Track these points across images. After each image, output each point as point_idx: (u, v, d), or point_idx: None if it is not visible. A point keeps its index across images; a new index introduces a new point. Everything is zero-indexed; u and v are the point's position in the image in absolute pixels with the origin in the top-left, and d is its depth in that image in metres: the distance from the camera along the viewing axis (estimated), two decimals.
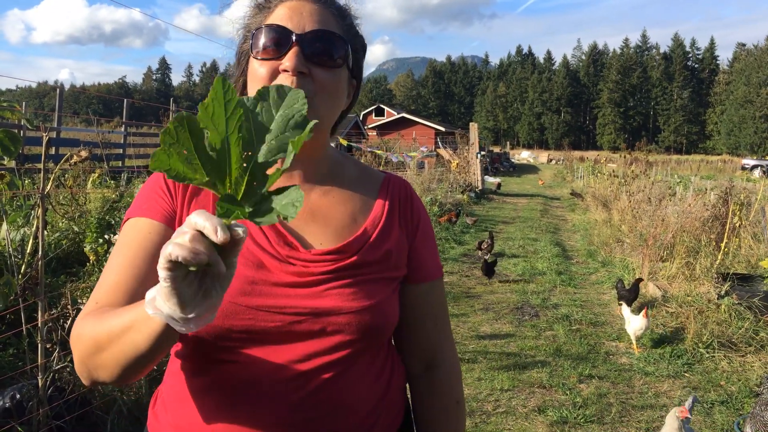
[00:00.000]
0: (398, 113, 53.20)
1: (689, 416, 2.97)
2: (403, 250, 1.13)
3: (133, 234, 1.01)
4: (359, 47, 1.12)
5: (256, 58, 1.04)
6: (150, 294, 0.74)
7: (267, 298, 0.99)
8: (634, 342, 5.18)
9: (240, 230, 0.68)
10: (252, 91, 1.05)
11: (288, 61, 1.00)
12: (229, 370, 1.00)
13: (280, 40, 1.02)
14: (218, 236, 0.65)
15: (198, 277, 0.70)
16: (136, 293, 0.94)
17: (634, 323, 5.13)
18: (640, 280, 6.21)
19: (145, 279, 0.96)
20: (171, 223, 1.02)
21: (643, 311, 5.12)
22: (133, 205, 1.06)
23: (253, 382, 0.99)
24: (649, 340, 5.37)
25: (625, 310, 5.41)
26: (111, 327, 0.85)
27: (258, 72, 1.03)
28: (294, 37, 1.01)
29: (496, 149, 54.44)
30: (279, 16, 1.04)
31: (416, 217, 1.18)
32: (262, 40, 1.03)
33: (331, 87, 1.04)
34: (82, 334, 0.91)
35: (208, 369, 1.02)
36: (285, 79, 1.01)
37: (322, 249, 1.05)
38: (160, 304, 0.71)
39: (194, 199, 1.06)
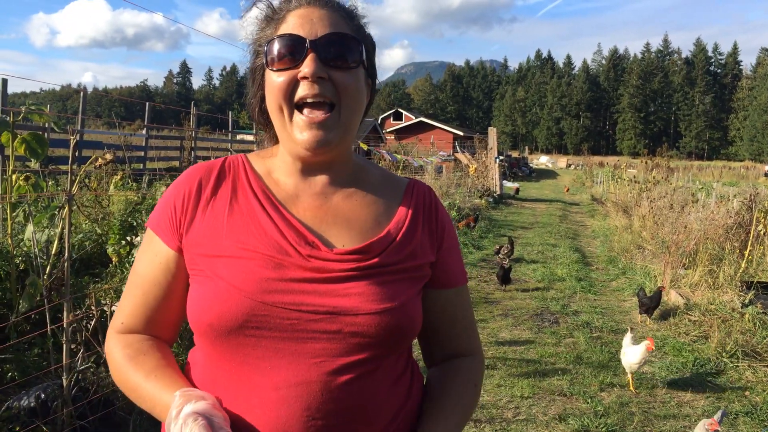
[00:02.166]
0: (416, 117, 53.26)
1: (719, 429, 2.93)
2: (427, 254, 1.12)
3: (149, 255, 1.11)
4: (370, 46, 1.12)
5: (273, 70, 1.04)
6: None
7: (283, 295, 0.98)
8: (629, 377, 4.47)
9: None
10: (269, 103, 1.06)
11: (306, 67, 1.00)
12: (243, 372, 0.99)
13: (295, 48, 1.02)
14: None
15: None
16: (149, 318, 1.11)
17: (631, 356, 4.38)
18: (662, 288, 6.14)
19: (155, 304, 1.10)
20: (178, 246, 1.08)
21: (647, 342, 4.33)
22: (156, 209, 1.13)
23: (267, 385, 0.98)
24: (672, 348, 5.30)
25: (626, 338, 4.61)
26: (135, 392, 1.06)
27: (276, 82, 1.03)
28: (308, 44, 1.01)
29: (515, 154, 54.21)
30: (290, 26, 1.04)
31: (441, 224, 1.17)
32: (276, 50, 1.03)
33: (352, 89, 1.04)
34: (113, 360, 1.10)
35: (222, 371, 1.02)
36: (306, 86, 1.01)
37: (345, 249, 1.04)
38: None
39: (211, 201, 1.08)
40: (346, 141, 1.08)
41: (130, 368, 1.06)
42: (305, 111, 1.02)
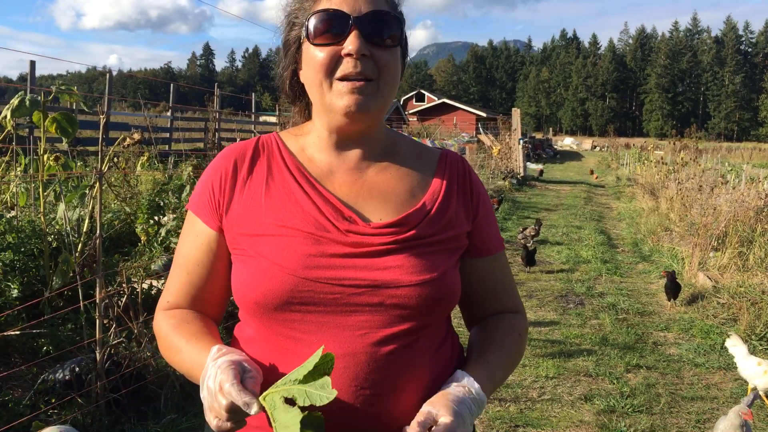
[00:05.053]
0: (439, 99, 52.90)
1: (751, 420, 2.92)
2: (463, 224, 1.13)
3: (191, 236, 1.15)
4: (404, 24, 1.13)
5: (314, 44, 1.04)
6: (202, 388, 0.96)
7: (325, 270, 1.00)
8: (765, 398, 3.92)
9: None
10: (308, 77, 1.07)
11: (351, 44, 1.01)
12: (291, 346, 1.02)
13: (338, 24, 1.02)
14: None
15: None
16: (194, 297, 1.14)
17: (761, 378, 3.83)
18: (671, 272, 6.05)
19: (200, 284, 1.14)
20: (218, 227, 1.11)
21: None
22: (194, 192, 1.16)
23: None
24: (699, 330, 5.24)
25: (737, 348, 4.09)
26: (177, 356, 1.09)
27: (317, 57, 1.04)
28: (352, 21, 1.02)
29: (539, 135, 53.53)
30: (332, 1, 1.04)
31: (476, 193, 1.18)
32: (319, 25, 1.03)
33: (392, 67, 1.06)
34: (159, 332, 1.14)
35: (272, 345, 1.05)
36: (349, 63, 1.02)
37: (382, 222, 1.06)
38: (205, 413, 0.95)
39: (248, 181, 1.10)
40: (381, 113, 1.09)
41: (174, 335, 1.10)
42: (345, 82, 1.03)
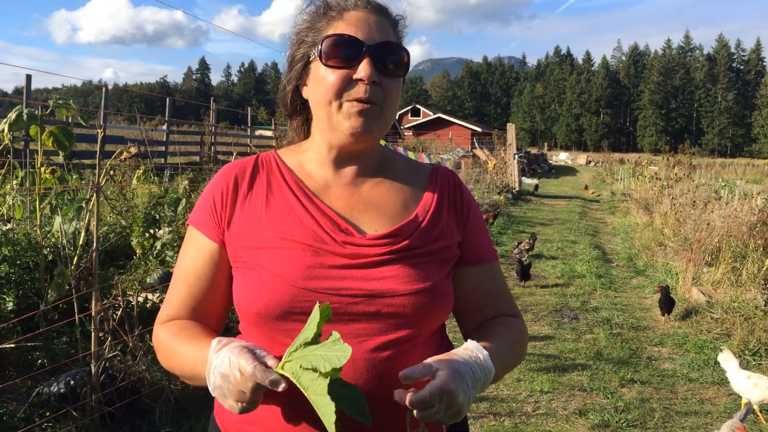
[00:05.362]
0: (434, 114, 53.11)
1: None
2: (454, 235, 1.18)
3: (192, 251, 1.17)
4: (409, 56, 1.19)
5: (326, 65, 1.09)
6: (210, 380, 0.98)
7: (323, 281, 1.05)
8: (758, 412, 3.88)
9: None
10: (316, 95, 1.12)
11: (363, 71, 1.07)
12: None
13: (352, 50, 1.08)
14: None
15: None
16: (195, 309, 1.16)
17: (751, 391, 3.81)
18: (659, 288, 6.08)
19: (201, 296, 1.16)
20: (220, 239, 1.14)
21: None
22: (195, 208, 1.20)
23: None
24: (693, 345, 5.26)
25: (729, 363, 4.07)
26: (178, 359, 1.10)
27: (328, 79, 1.09)
28: (365, 48, 1.08)
29: (534, 150, 53.72)
30: (347, 26, 1.10)
31: (466, 204, 1.23)
32: (333, 48, 1.08)
33: (395, 94, 1.13)
34: (159, 341, 1.16)
35: (273, 355, 1.05)
36: (360, 89, 1.08)
37: (377, 234, 1.11)
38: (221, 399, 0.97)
39: (248, 196, 1.14)
40: (381, 135, 1.15)
41: (175, 340, 1.12)
42: (353, 103, 1.09)
